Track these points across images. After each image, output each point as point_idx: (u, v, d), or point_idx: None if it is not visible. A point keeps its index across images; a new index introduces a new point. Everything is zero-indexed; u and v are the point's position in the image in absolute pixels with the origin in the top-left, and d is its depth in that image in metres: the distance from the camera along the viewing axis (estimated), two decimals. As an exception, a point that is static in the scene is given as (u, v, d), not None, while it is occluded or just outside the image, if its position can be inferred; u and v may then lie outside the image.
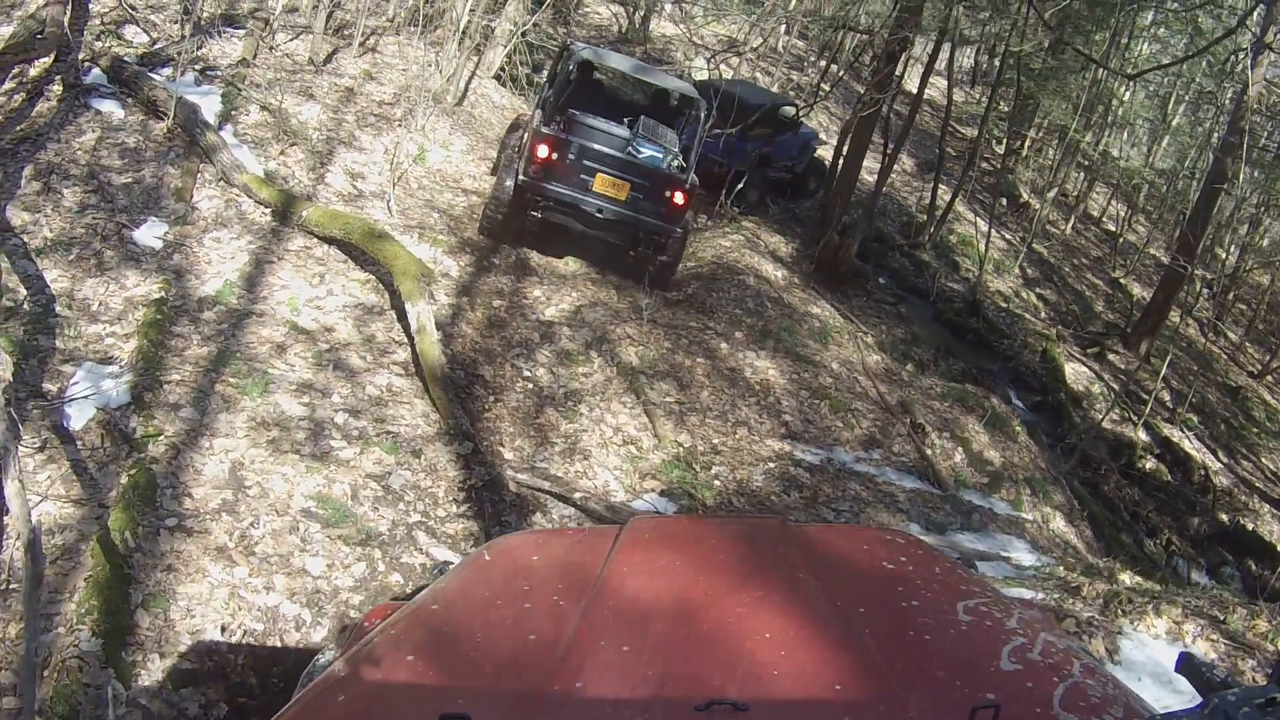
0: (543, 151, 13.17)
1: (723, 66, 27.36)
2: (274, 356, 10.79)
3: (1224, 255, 32.17)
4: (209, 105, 14.53)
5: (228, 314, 11.14)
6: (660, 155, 13.86)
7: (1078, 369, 22.01)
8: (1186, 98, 34.41)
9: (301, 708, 3.24)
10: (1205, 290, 28.58)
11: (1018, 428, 15.87)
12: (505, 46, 22.07)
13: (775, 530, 4.61)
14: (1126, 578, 10.17)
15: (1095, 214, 34.59)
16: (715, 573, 3.98)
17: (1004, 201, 29.47)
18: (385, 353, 11.57)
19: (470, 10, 19.79)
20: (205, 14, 16.83)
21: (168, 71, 14.78)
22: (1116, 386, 22.02)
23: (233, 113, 14.73)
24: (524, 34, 21.93)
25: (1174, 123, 33.71)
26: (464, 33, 19.25)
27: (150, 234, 11.93)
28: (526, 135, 14.22)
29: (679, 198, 13.35)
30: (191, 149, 13.38)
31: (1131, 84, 30.56)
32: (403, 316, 11.85)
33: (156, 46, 15.47)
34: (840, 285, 18.94)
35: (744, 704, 2.98)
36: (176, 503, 8.39)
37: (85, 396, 9.20)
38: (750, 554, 4.18)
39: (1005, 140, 32.07)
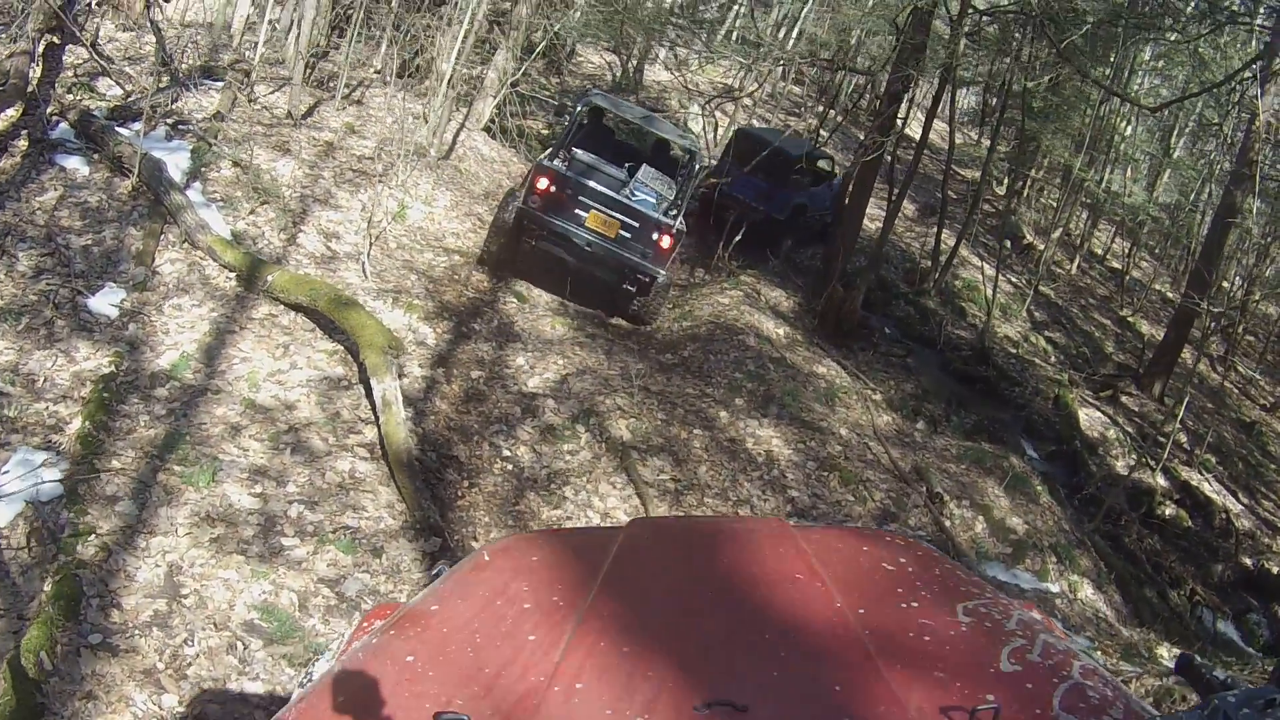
0: (542, 183, 13.65)
1: (718, 113, 26.16)
2: (227, 439, 9.59)
3: (1230, 287, 30.82)
4: (177, 162, 13.46)
5: (181, 391, 9.98)
6: (652, 200, 14.14)
7: (1092, 414, 20.63)
8: (1189, 129, 33.28)
9: (301, 708, 3.20)
10: (1212, 324, 27.28)
11: (1039, 487, 14.63)
12: (494, 97, 20.80)
13: (775, 531, 4.48)
14: (1164, 651, 9.74)
15: (1099, 251, 33.37)
16: (715, 573, 3.91)
17: (1008, 244, 28.27)
18: (350, 432, 10.30)
19: (457, 59, 18.71)
20: (184, 66, 15.98)
21: (138, 126, 13.67)
22: (1132, 430, 20.75)
23: (202, 169, 13.67)
24: (514, 84, 20.60)
25: (1175, 155, 32.39)
26: (450, 83, 18.06)
27: (106, 301, 10.85)
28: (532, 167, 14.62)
29: (665, 241, 13.67)
30: (156, 208, 12.32)
31: (1133, 118, 29.50)
32: (371, 391, 10.59)
33: (130, 100, 14.43)
34: (845, 339, 17.68)
35: (743, 705, 2.91)
36: (103, 615, 7.26)
37: (13, 492, 8.11)
38: (750, 555, 4.08)
39: (1006, 181, 30.82)
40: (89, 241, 11.52)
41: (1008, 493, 13.83)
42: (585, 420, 12.20)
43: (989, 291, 22.78)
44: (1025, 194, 30.98)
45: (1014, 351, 22.38)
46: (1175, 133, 32.71)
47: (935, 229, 24.44)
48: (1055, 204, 31.41)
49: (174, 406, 9.70)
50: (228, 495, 8.86)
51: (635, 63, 29.48)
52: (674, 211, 14.16)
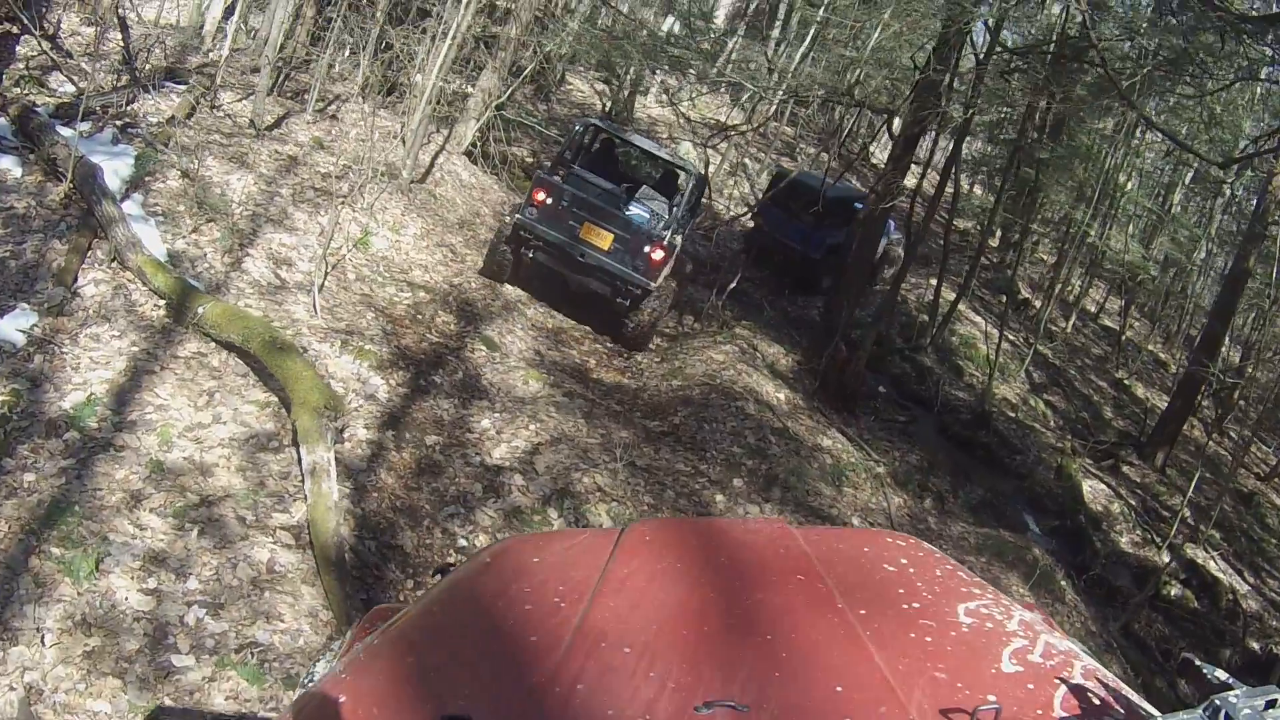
0: (539, 195, 13.66)
1: (710, 151, 24.33)
2: (123, 511, 7.58)
3: (1225, 352, 29.15)
4: (118, 168, 11.66)
5: (80, 444, 8.05)
6: (647, 216, 14.20)
7: (1095, 486, 19.01)
8: (1187, 184, 31.64)
9: (301, 709, 3.16)
10: (1224, 393, 25.66)
11: (1063, 583, 13.09)
12: (477, 120, 18.90)
13: (776, 532, 4.11)
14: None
15: (1091, 309, 31.55)
16: (716, 574, 3.62)
17: (1004, 299, 26.52)
18: (276, 508, 8.29)
19: (438, 74, 16.81)
20: (147, 67, 14.42)
21: (85, 126, 11.92)
22: (1135, 504, 19.32)
23: (145, 178, 11.87)
24: (499, 107, 18.67)
25: (1173, 212, 30.68)
26: (429, 99, 16.14)
27: (14, 325, 9.06)
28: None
29: (657, 254, 13.57)
30: (87, 220, 10.56)
31: (1134, 173, 27.88)
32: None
33: (82, 98, 12.43)
34: (847, 402, 15.86)
35: (744, 705, 2.80)
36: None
37: None
38: (751, 556, 3.80)
39: (1002, 234, 29.03)
40: (7, 254, 9.78)
41: (1033, 592, 12.17)
42: (559, 503, 10.12)
43: (985, 349, 21.52)
44: (1023, 248, 29.15)
45: (1013, 415, 20.76)
46: (1178, 190, 31.07)
47: (931, 281, 23.08)
48: (1051, 259, 29.84)
49: (68, 464, 7.80)
50: (113, 591, 6.88)
51: (626, 93, 27.60)
52: (668, 229, 13.95)
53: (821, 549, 3.89)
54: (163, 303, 10.01)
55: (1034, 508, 17.67)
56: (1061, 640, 3.42)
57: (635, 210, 14.31)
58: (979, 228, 30.05)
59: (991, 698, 2.90)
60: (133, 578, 7.01)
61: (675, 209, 14.48)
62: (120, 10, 15.11)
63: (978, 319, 24.21)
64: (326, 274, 11.90)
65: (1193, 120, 25.42)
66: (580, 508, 10.06)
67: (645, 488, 10.82)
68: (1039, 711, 2.93)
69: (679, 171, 15.70)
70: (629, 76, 27.41)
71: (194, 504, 7.89)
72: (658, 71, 28.57)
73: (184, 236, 11.36)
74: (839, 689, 2.95)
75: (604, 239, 13.69)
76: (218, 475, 8.35)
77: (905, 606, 3.48)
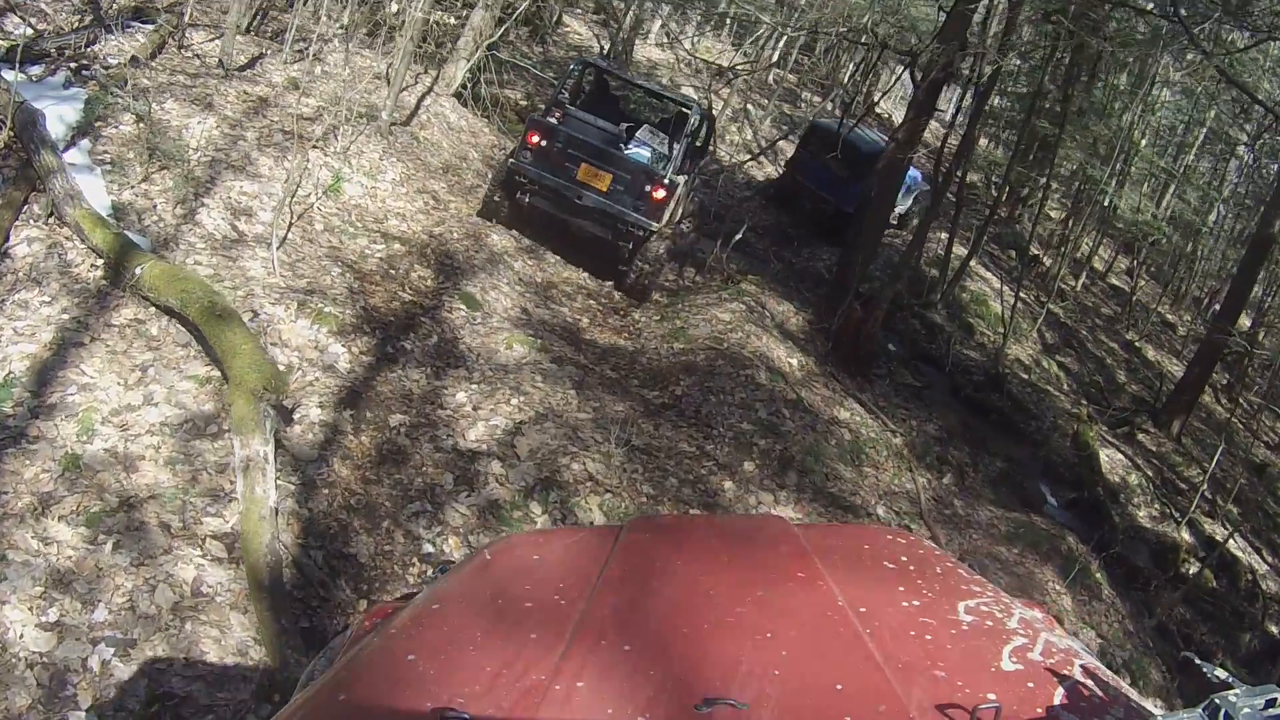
0: (534, 138, 13.11)
1: (714, 96, 22.95)
2: (28, 520, 6.34)
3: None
4: (65, 114, 10.46)
5: None
6: (647, 155, 13.71)
7: (1112, 455, 17.66)
8: (1198, 143, 30.22)
9: (302, 709, 2.98)
10: (1246, 362, 24.45)
11: (1098, 576, 11.90)
12: (468, 60, 17.35)
13: (776, 529, 4.18)
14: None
15: (1099, 268, 30.11)
16: (716, 572, 3.58)
17: (1014, 255, 25.12)
18: (208, 509, 6.99)
19: (426, 10, 15.34)
20: (115, 5, 13.18)
21: (36, 70, 11.02)
22: (1152, 474, 18.01)
23: (96, 124, 10.60)
24: (491, 47, 17.16)
25: (1185, 172, 29.27)
26: (413, 36, 14.68)
27: None
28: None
29: (658, 194, 12.94)
30: (25, 171, 9.39)
31: (1147, 130, 26.45)
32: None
33: (38, 40, 11.51)
34: (861, 365, 14.50)
35: (744, 704, 2.71)
36: None
37: None
38: (751, 553, 3.78)
39: (1010, 189, 27.60)
40: (-70, 210, 8.41)
41: (1070, 589, 10.95)
42: (543, 495, 8.65)
43: (1004, 311, 20.06)
44: (1034, 204, 27.73)
45: (1026, 378, 19.47)
46: (1191, 150, 29.66)
47: (941, 235, 21.71)
48: (1059, 216, 28.43)
49: (-30, 461, 6.44)
50: (5, 627, 5.61)
51: (625, 36, 26.04)
52: (668, 167, 13.35)
53: (821, 546, 3.82)
54: (101, 262, 8.78)
55: (1051, 478, 16.49)
56: (1061, 638, 3.34)
57: (634, 149, 13.76)
58: (986, 181, 28.72)
59: (991, 696, 2.78)
60: (31, 608, 5.75)
61: (677, 147, 13.76)
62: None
63: (988, 275, 22.84)
64: (291, 225, 10.59)
65: (1211, 76, 24.20)
66: (568, 501, 8.66)
67: (644, 474, 9.40)
68: (1039, 710, 2.86)
69: (681, 108, 14.77)
70: (628, 18, 25.77)
71: (112, 508, 6.62)
72: (657, 14, 26.97)
73: (132, 186, 10.07)
74: (839, 687, 2.88)
75: (602, 180, 13.07)
76: (143, 470, 7.08)
77: (905, 604, 3.40)
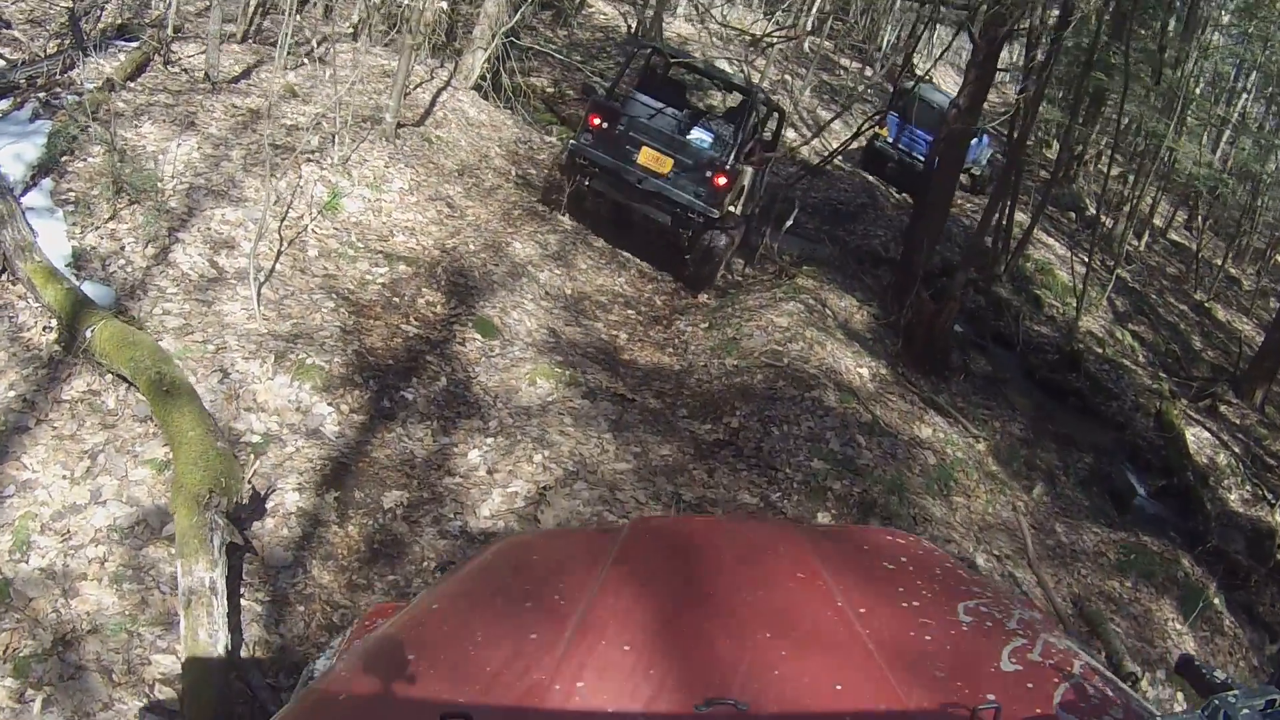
0: (595, 120, 12.58)
1: (748, 67, 21.29)
2: None
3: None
4: (25, 151, 9.11)
5: None
6: (708, 140, 12.93)
7: (1199, 434, 15.76)
8: (1252, 88, 28.23)
9: (301, 708, 2.96)
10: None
11: (1218, 605, 10.23)
12: (485, 49, 15.71)
13: (776, 530, 4.31)
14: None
15: (1158, 224, 28.09)
16: (716, 572, 3.49)
17: (1073, 217, 23.24)
18: (159, 642, 5.52)
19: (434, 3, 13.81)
20: (100, 26, 11.90)
21: (3, 105, 9.76)
22: (1240, 451, 16.06)
23: (62, 159, 9.13)
24: (509, 34, 15.55)
25: (1242, 120, 27.28)
26: (422, 29, 13.13)
27: None
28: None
29: (719, 180, 12.20)
30: None
31: (1201, 79, 24.49)
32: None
33: (11, 73, 10.23)
34: (935, 363, 12.70)
35: (744, 704, 2.69)
36: None
37: None
38: (751, 554, 3.69)
39: (1060, 147, 25.75)
40: None
41: (1192, 628, 9.41)
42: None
43: (1074, 283, 18.23)
44: (1087, 161, 25.80)
45: (1101, 352, 17.63)
46: (1243, 97, 27.66)
47: (999, 202, 19.37)
48: (1116, 173, 26.52)
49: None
50: None
51: (653, 12, 24.32)
52: (731, 154, 12.45)
53: (821, 546, 3.76)
54: (55, 323, 7.32)
55: (1137, 464, 14.76)
56: (1061, 639, 3.24)
57: (697, 135, 13.00)
58: (1038, 141, 26.81)
59: (991, 696, 2.74)
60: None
61: (740, 134, 12.80)
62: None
63: (1050, 240, 21.03)
64: (280, 253, 9.02)
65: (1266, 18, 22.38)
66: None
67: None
68: (1038, 710, 2.77)
69: (746, 95, 13.68)
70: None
71: (45, 650, 5.14)
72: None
73: (97, 228, 8.55)
74: (839, 687, 2.81)
75: (663, 164, 12.39)
76: (85, 593, 5.54)
77: (905, 605, 3.32)
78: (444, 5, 12.73)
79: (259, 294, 8.25)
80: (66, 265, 8.03)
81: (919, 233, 14.00)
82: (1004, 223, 17.57)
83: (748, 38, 24.55)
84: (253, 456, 6.13)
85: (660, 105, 13.35)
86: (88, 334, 6.98)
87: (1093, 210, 24.85)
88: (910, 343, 12.54)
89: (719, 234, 12.64)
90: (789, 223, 14.41)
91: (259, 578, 5.91)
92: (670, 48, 16.13)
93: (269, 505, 6.40)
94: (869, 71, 26.25)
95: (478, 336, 9.20)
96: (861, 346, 11.59)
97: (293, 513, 6.41)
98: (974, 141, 18.50)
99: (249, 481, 5.99)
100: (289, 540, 6.22)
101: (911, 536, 4.10)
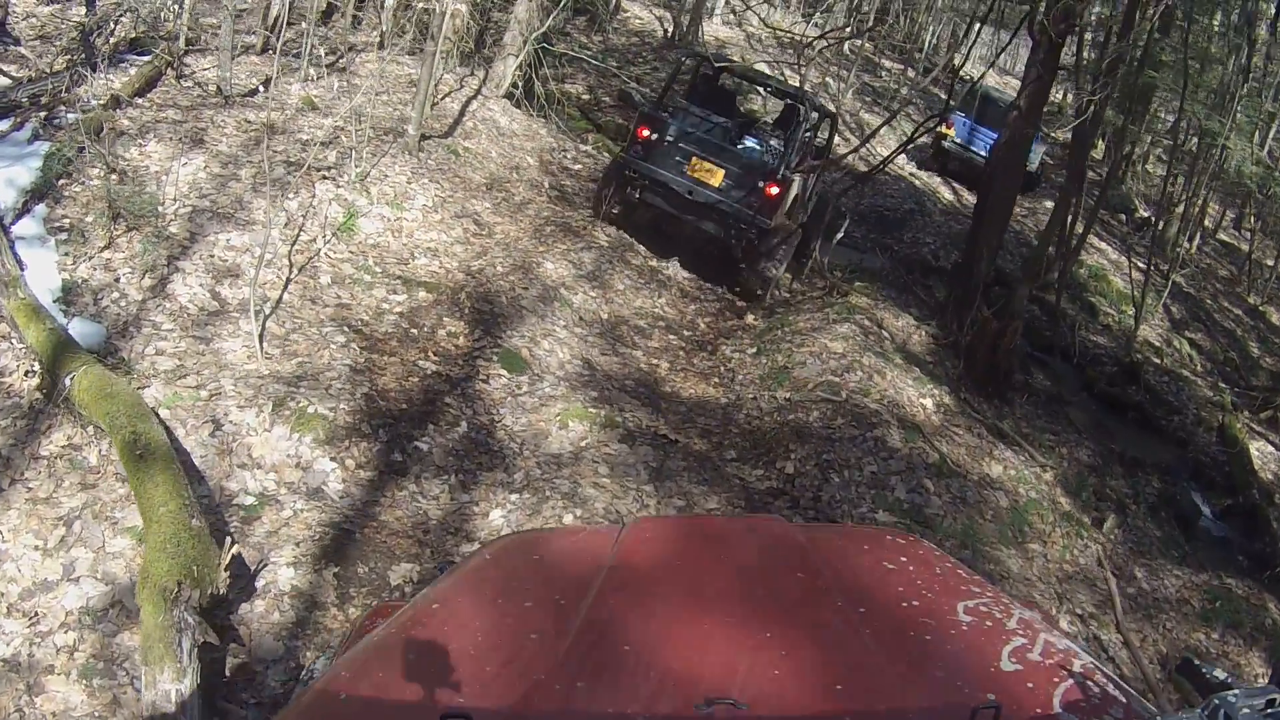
0: (643, 131, 12.19)
1: (788, 70, 20.40)
2: None
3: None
4: (18, 175, 8.31)
5: None
6: (759, 150, 12.46)
7: (1263, 449, 14.67)
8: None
9: (301, 708, 2.86)
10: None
11: None
12: (516, 56, 14.83)
13: (776, 530, 3.90)
14: None
15: (1208, 225, 26.86)
16: (716, 572, 3.39)
17: (1123, 219, 22.10)
18: None
19: (461, 10, 12.94)
20: (112, 40, 11.09)
21: (3, 125, 9.01)
22: None
23: (58, 182, 8.38)
24: (540, 40, 14.69)
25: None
26: (448, 37, 12.28)
27: None
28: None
29: (771, 190, 11.77)
30: None
31: (1249, 76, 23.28)
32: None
33: (15, 91, 9.52)
34: (1000, 388, 11.59)
35: (744, 704, 2.59)
36: None
37: None
38: (750, 553, 3.58)
39: (1109, 147, 24.59)
40: None
41: None
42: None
43: (1132, 291, 17.13)
44: (1133, 160, 24.64)
45: (1159, 363, 16.50)
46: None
47: (1045, 204, 19.51)
48: (1164, 173, 25.31)
49: None
50: None
51: (689, 16, 23.35)
52: (782, 163, 12.03)
53: (821, 547, 3.68)
54: (38, 366, 6.50)
55: (1201, 482, 13.68)
56: (1061, 639, 3.10)
57: (747, 144, 12.53)
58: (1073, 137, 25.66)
59: (991, 696, 2.64)
60: None
61: (792, 142, 12.40)
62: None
63: (1102, 245, 19.88)
64: (289, 280, 8.13)
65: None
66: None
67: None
68: (1038, 710, 2.69)
69: (799, 105, 13.26)
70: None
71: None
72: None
73: (91, 257, 7.74)
74: (839, 687, 2.73)
75: (714, 175, 11.96)
76: (50, 690, 4.74)
77: (905, 605, 3.22)
78: (462, 8, 11.79)
79: (262, 330, 7.37)
80: (55, 301, 7.25)
81: (978, 243, 12.95)
82: (1065, 232, 16.52)
83: (788, 39, 23.59)
84: (230, 541, 5.17)
85: (710, 115, 12.78)
86: (67, 382, 6.15)
87: (1143, 212, 23.72)
88: (972, 364, 11.46)
89: (772, 244, 12.15)
90: (839, 235, 13.53)
91: (245, 676, 5.00)
92: (720, 56, 15.37)
93: (260, 583, 5.48)
94: (911, 73, 25.14)
95: (503, 372, 8.24)
96: (922, 372, 10.50)
97: (286, 592, 5.46)
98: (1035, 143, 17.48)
99: (225, 570, 5.05)
100: (281, 627, 5.27)
101: (911, 536, 3.98)
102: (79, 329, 7.03)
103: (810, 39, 18.93)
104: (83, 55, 10.60)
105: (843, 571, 3.38)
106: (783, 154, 12.16)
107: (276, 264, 8.25)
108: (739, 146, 12.42)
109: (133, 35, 11.70)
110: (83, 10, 12.20)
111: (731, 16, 25.97)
